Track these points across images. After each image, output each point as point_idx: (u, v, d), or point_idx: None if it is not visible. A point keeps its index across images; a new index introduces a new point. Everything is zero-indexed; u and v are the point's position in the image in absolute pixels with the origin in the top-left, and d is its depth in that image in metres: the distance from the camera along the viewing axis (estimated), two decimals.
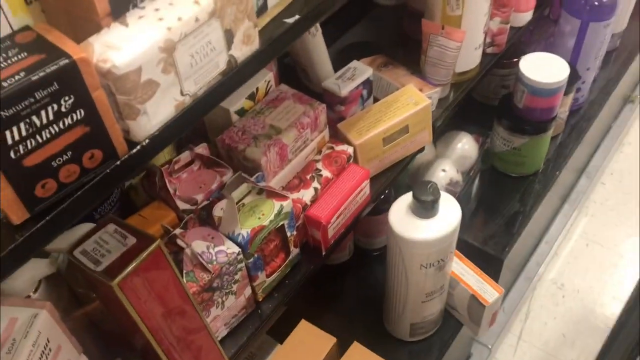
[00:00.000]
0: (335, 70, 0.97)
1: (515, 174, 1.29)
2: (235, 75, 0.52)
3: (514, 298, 1.41)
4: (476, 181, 1.30)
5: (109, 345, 0.74)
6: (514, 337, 1.40)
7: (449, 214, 0.86)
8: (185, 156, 0.79)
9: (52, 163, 0.42)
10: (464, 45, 0.96)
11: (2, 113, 0.38)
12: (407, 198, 0.89)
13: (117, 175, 0.46)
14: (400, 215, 0.88)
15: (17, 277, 0.61)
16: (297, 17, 0.58)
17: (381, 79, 1.03)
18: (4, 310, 0.56)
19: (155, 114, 0.47)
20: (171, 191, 0.76)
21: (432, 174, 1.21)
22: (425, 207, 0.84)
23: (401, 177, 1.11)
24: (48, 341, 0.57)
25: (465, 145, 1.28)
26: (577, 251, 1.55)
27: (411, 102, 0.92)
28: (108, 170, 0.45)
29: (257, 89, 0.85)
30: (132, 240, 0.58)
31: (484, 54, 1.08)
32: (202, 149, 0.80)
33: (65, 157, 0.43)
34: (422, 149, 1.00)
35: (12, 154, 0.40)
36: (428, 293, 0.95)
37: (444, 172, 1.20)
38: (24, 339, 0.54)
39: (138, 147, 0.47)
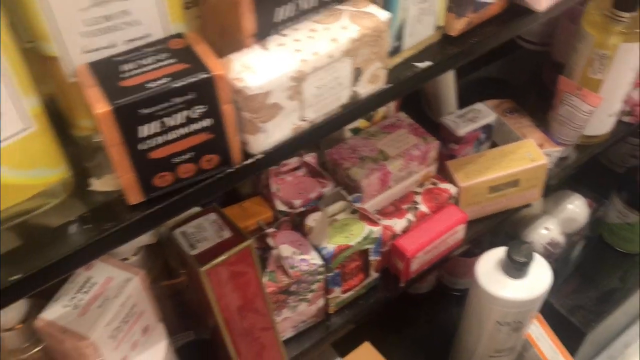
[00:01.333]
0: (460, 105, 0.96)
1: (622, 250, 1.22)
2: (355, 110, 0.55)
3: None
4: (578, 247, 1.25)
5: (185, 316, 0.80)
6: None
7: (539, 280, 0.84)
8: (294, 161, 0.82)
9: (173, 160, 0.47)
10: (598, 110, 0.92)
11: (141, 111, 0.42)
12: (498, 252, 0.88)
13: (228, 181, 0.50)
14: (488, 267, 0.87)
15: None
16: (428, 63, 0.59)
17: (504, 124, 1.02)
18: (104, 268, 0.63)
19: (273, 133, 0.50)
20: (273, 190, 0.80)
21: (533, 229, 1.17)
22: (515, 267, 0.82)
23: (501, 227, 1.09)
24: (134, 305, 0.62)
25: (575, 208, 1.22)
26: None
27: (528, 157, 0.90)
28: (221, 175, 0.49)
29: (376, 111, 0.87)
30: (227, 234, 0.63)
31: (619, 121, 1.03)
32: (310, 157, 0.83)
33: (185, 156, 0.47)
34: (527, 205, 0.97)
35: (140, 146, 0.44)
36: (498, 350, 0.93)
37: (547, 231, 1.16)
38: (115, 298, 0.60)
39: (252, 159, 0.50)
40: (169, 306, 0.76)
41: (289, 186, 0.83)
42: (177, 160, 0.47)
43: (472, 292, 0.90)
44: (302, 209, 0.79)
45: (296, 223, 0.79)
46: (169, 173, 0.47)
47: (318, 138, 0.53)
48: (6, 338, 0.63)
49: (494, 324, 0.88)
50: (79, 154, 0.51)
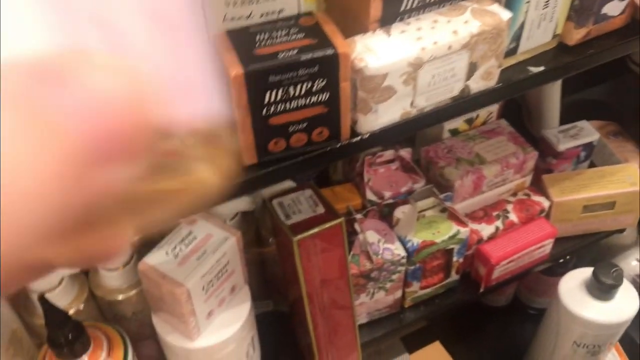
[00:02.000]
0: (561, 122, 0.95)
1: None
2: (464, 104, 0.56)
3: None
4: None
5: (267, 286, 0.84)
6: None
7: (625, 306, 0.82)
8: (389, 153, 0.84)
9: (289, 128, 0.50)
10: None
11: (271, 77, 0.46)
12: (585, 272, 0.86)
13: (334, 155, 0.53)
14: (572, 285, 0.85)
15: (223, 205, 0.72)
16: (542, 68, 0.59)
17: (605, 146, 0.99)
18: (205, 225, 0.67)
19: (383, 115, 0.53)
20: (365, 180, 0.82)
21: (623, 259, 1.13)
22: (601, 289, 0.81)
23: (591, 247, 1.06)
24: (227, 263, 0.66)
25: None
26: None
27: (628, 180, 0.87)
28: (329, 148, 0.52)
29: (477, 115, 0.88)
30: (321, 210, 0.66)
31: None
32: (405, 152, 0.85)
33: (300, 126, 0.50)
34: (621, 230, 0.95)
35: (264, 111, 0.48)
36: None
37: (637, 263, 1.12)
38: (212, 254, 0.64)
39: (359, 137, 0.53)
40: (254, 273, 0.80)
41: (380, 178, 0.85)
42: (292, 129, 0.50)
43: (551, 309, 0.89)
44: (391, 201, 0.81)
45: (384, 213, 0.81)
46: (283, 140, 0.51)
47: (423, 127, 0.55)
48: (109, 278, 0.69)
49: (571, 345, 0.86)
50: None
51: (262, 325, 0.78)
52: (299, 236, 0.63)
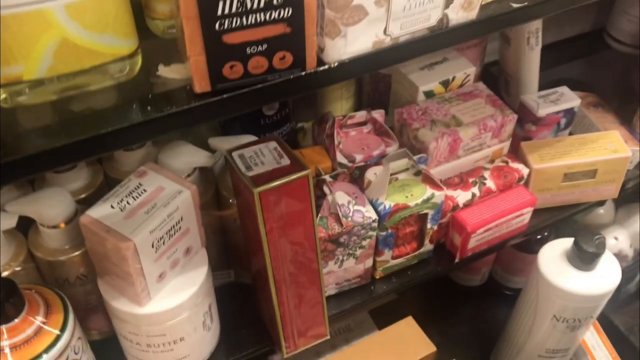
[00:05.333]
0: None
1: None
2: (441, 36, 0.51)
3: None
4: None
5: (229, 254, 0.78)
6: None
7: (606, 276, 0.78)
8: (361, 115, 0.79)
9: (247, 49, 0.44)
10: None
11: None
12: (565, 242, 0.82)
13: (298, 86, 0.47)
14: (552, 256, 0.81)
15: (177, 158, 0.66)
16: (524, 3, 0.55)
17: (585, 117, 0.96)
18: (156, 178, 0.61)
19: (353, 42, 0.47)
20: (336, 142, 0.77)
21: None
22: (583, 258, 0.76)
23: (565, 226, 1.03)
24: (181, 219, 0.60)
25: None
26: None
27: (610, 147, 0.83)
28: (291, 77, 0.46)
29: (453, 78, 0.83)
30: (286, 161, 0.60)
31: None
32: (378, 114, 0.80)
33: (260, 47, 0.45)
34: (601, 203, 0.91)
35: (217, 26, 0.42)
36: (549, 350, 0.87)
37: (615, 241, 1.09)
38: (163, 207, 0.58)
39: (326, 66, 0.47)
40: (214, 242, 0.74)
41: (352, 141, 0.79)
42: (250, 50, 0.44)
43: (529, 283, 0.84)
44: (362, 164, 0.76)
45: (355, 176, 0.76)
46: (240, 64, 0.45)
47: (397, 60, 0.50)
48: (50, 236, 0.62)
49: (550, 319, 0.82)
50: (150, 42, 0.50)
51: (223, 297, 0.73)
52: (261, 188, 0.57)
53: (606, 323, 1.02)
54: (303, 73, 0.47)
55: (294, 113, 0.83)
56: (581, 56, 1.17)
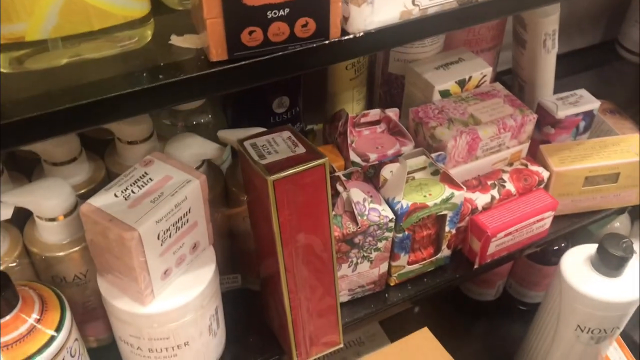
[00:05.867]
0: None
1: None
2: (472, 11, 0.48)
3: None
4: None
5: (236, 259, 0.73)
6: None
7: (634, 282, 0.74)
8: (375, 113, 0.76)
9: (268, 13, 0.41)
10: None
11: None
12: (588, 248, 0.78)
13: (320, 56, 0.44)
14: (576, 262, 0.77)
15: (184, 150, 0.62)
16: None
17: (603, 122, 0.93)
18: (163, 167, 0.57)
19: (379, 11, 0.44)
20: (349, 141, 0.73)
21: None
22: (609, 263, 0.72)
23: (582, 238, 0.99)
24: (189, 211, 0.56)
25: None
26: None
27: (632, 151, 0.80)
28: (314, 45, 0.43)
29: (469, 77, 0.80)
30: (301, 150, 0.56)
31: None
32: (393, 113, 0.77)
33: (281, 12, 0.41)
34: (622, 210, 0.87)
35: None
36: None
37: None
38: (170, 196, 0.54)
39: (350, 36, 0.44)
40: (221, 245, 0.70)
41: (365, 140, 0.76)
42: (271, 14, 0.41)
43: (551, 293, 0.80)
44: (377, 163, 0.73)
45: (369, 175, 0.72)
46: (260, 30, 0.42)
47: (425, 34, 0.47)
48: (47, 229, 0.58)
49: (573, 330, 0.77)
50: (163, 17, 0.46)
51: (229, 303, 0.68)
52: (275, 176, 0.53)
53: (626, 338, 0.98)
54: (326, 42, 0.43)
55: (303, 115, 0.80)
56: (593, 67, 1.15)
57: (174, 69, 0.42)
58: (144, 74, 0.41)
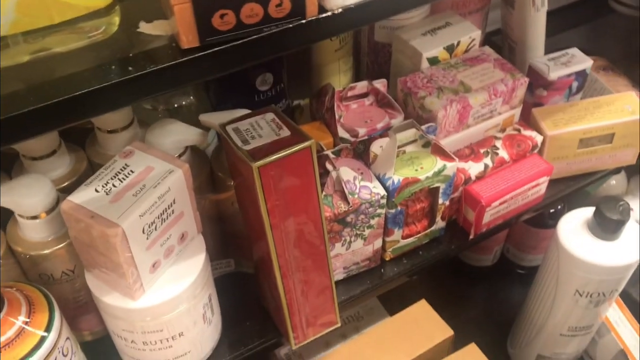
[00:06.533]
0: None
1: None
2: None
3: None
4: None
5: (227, 243, 0.72)
6: None
7: (632, 245, 0.73)
8: (362, 85, 0.74)
9: None
10: None
11: None
12: (584, 212, 0.77)
13: (297, 36, 0.42)
14: (572, 228, 0.76)
15: (166, 137, 0.60)
16: None
17: (596, 81, 0.91)
18: (145, 157, 0.55)
19: None
20: (336, 116, 0.71)
21: None
22: (606, 227, 0.71)
23: (578, 199, 0.98)
24: (174, 202, 0.55)
25: None
26: None
27: (627, 109, 0.79)
28: (291, 25, 0.41)
29: (458, 42, 0.78)
30: (286, 133, 0.54)
31: None
32: (381, 84, 0.74)
33: None
34: (617, 170, 0.86)
35: None
36: (571, 327, 0.82)
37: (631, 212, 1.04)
38: (153, 188, 0.52)
39: (329, 13, 0.42)
40: (211, 230, 0.68)
41: (353, 114, 0.74)
42: None
43: (548, 258, 0.79)
44: (366, 138, 0.71)
45: (359, 151, 0.70)
46: (232, 13, 0.39)
47: (408, 5, 0.45)
48: (30, 228, 0.56)
49: (572, 294, 0.77)
50: (129, 2, 0.44)
51: (223, 288, 0.67)
52: (260, 162, 0.51)
53: (624, 297, 0.98)
54: (303, 21, 0.41)
55: (288, 90, 0.78)
56: (584, 22, 1.13)
57: (144, 60, 0.39)
58: (113, 67, 0.39)
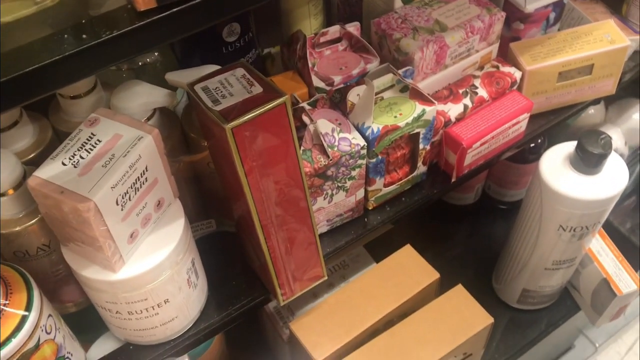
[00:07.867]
0: None
1: None
2: None
3: None
4: None
5: (207, 203, 0.71)
6: (625, 346, 1.24)
7: (614, 177, 0.73)
8: (334, 30, 0.71)
9: None
10: None
11: None
12: (566, 147, 0.76)
13: None
14: (554, 163, 0.75)
15: (132, 100, 0.57)
16: None
17: (573, 9, 0.88)
18: (111, 125, 0.52)
19: None
20: (310, 64, 0.68)
21: None
22: (588, 161, 0.71)
23: (558, 132, 0.97)
24: (146, 169, 0.52)
25: None
26: None
27: (606, 39, 0.77)
28: None
29: None
30: (258, 89, 0.52)
31: None
32: (353, 28, 0.71)
33: None
34: (597, 101, 0.85)
35: None
36: (555, 261, 0.83)
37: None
38: (123, 157, 0.50)
39: None
40: (189, 191, 0.66)
41: (327, 61, 0.71)
42: None
43: (531, 194, 0.79)
44: (342, 86, 0.68)
45: (335, 101, 0.68)
46: None
47: None
48: None
49: (555, 229, 0.77)
50: None
51: (206, 249, 0.66)
52: (233, 123, 0.49)
53: (606, 225, 0.99)
54: None
55: (257, 38, 0.75)
56: None
57: (98, 26, 0.36)
58: (66, 36, 0.36)
